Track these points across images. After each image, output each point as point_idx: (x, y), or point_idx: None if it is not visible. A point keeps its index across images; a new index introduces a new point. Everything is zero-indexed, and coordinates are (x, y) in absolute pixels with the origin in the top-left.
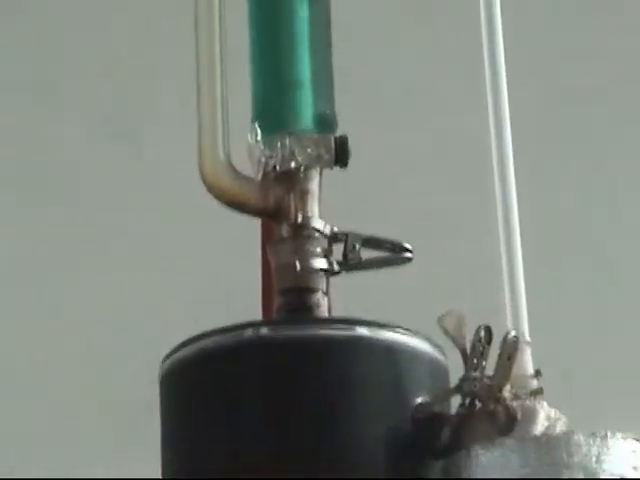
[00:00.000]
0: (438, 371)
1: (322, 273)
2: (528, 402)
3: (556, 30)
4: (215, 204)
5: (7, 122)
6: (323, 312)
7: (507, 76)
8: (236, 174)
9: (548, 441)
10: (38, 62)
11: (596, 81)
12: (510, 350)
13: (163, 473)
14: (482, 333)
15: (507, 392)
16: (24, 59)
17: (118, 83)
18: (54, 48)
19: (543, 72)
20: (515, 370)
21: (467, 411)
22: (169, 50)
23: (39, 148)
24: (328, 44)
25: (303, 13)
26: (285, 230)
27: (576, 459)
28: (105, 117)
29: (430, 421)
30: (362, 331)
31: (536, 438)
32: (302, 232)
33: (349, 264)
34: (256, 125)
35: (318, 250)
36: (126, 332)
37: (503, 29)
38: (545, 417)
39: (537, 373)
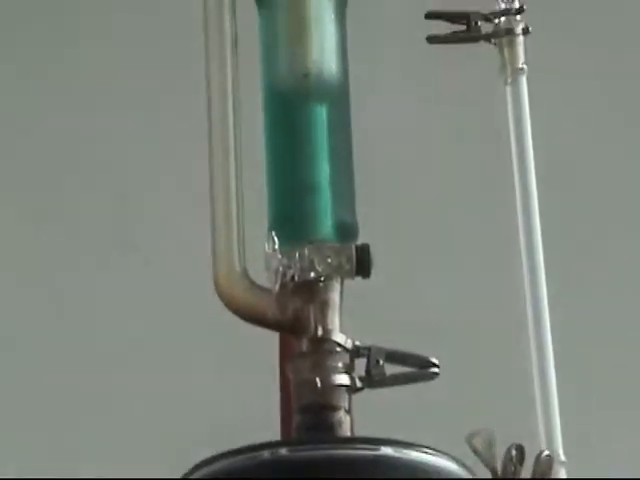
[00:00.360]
0: None
1: (344, 390)
2: None
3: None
4: (230, 316)
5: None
6: (345, 431)
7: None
8: (252, 285)
9: None
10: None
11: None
12: (543, 470)
13: None
14: (513, 452)
15: None
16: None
17: (124, 194)
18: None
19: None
20: None
21: None
22: (179, 157)
23: (48, 262)
24: (348, 148)
25: (322, 116)
26: (304, 344)
27: None
28: (112, 228)
29: None
30: (387, 451)
31: None
32: (322, 346)
33: (372, 380)
34: (273, 234)
35: (339, 365)
36: (138, 453)
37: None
38: None
39: None
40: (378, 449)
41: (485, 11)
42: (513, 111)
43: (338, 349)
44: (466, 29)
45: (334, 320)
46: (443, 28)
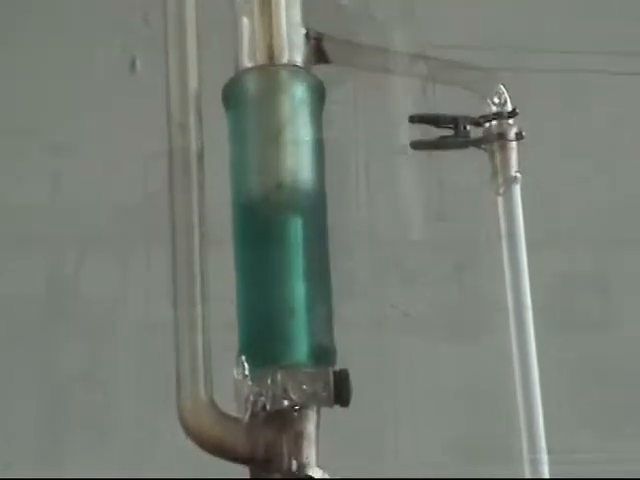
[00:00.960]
0: None
1: None
2: None
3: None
4: (195, 450)
5: None
6: None
7: None
8: (220, 415)
9: None
10: None
11: None
12: None
13: None
14: None
15: None
16: None
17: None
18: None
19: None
20: None
21: None
22: (143, 281)
23: None
24: (325, 263)
25: (296, 231)
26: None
27: None
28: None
29: None
30: None
31: None
32: None
33: None
34: (243, 359)
35: None
36: None
37: None
38: None
39: None
40: None
41: (474, 115)
42: (506, 224)
43: None
44: (454, 134)
45: (310, 453)
46: (430, 132)
